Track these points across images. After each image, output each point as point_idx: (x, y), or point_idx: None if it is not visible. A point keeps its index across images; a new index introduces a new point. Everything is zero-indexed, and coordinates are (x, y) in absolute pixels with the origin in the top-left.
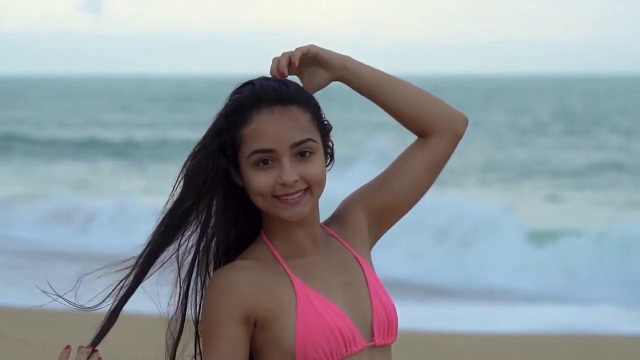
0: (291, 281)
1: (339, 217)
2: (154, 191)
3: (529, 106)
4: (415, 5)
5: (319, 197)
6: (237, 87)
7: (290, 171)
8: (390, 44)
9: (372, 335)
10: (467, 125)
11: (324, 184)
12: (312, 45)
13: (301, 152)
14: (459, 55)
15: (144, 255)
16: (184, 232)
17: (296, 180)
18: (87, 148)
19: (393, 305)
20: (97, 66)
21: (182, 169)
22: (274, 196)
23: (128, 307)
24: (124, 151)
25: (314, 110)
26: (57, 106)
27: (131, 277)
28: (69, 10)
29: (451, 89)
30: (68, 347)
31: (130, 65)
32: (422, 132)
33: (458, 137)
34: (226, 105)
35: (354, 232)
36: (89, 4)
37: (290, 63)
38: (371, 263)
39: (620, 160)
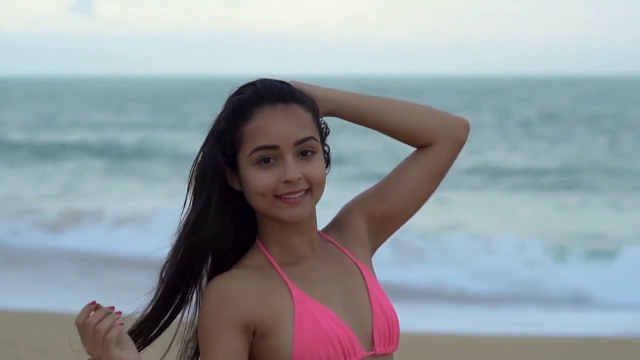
0: (288, 289)
1: (338, 224)
2: (146, 192)
3: (516, 107)
4: (413, 5)
5: (319, 199)
6: (237, 89)
7: (294, 168)
8: (390, 44)
9: (372, 343)
10: (468, 130)
11: (324, 186)
12: (293, 82)
13: (303, 151)
14: (454, 55)
15: (160, 294)
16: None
17: (299, 178)
18: (72, 149)
19: (394, 312)
20: (88, 67)
21: (189, 180)
22: (275, 196)
23: (125, 308)
24: (109, 151)
25: (314, 111)
26: (43, 107)
27: (154, 317)
28: (59, 11)
29: (442, 89)
30: (93, 302)
31: (121, 65)
32: (423, 144)
33: (460, 144)
34: (227, 107)
35: (354, 238)
36: (79, 5)
37: None
38: (372, 269)
39: (607, 162)
